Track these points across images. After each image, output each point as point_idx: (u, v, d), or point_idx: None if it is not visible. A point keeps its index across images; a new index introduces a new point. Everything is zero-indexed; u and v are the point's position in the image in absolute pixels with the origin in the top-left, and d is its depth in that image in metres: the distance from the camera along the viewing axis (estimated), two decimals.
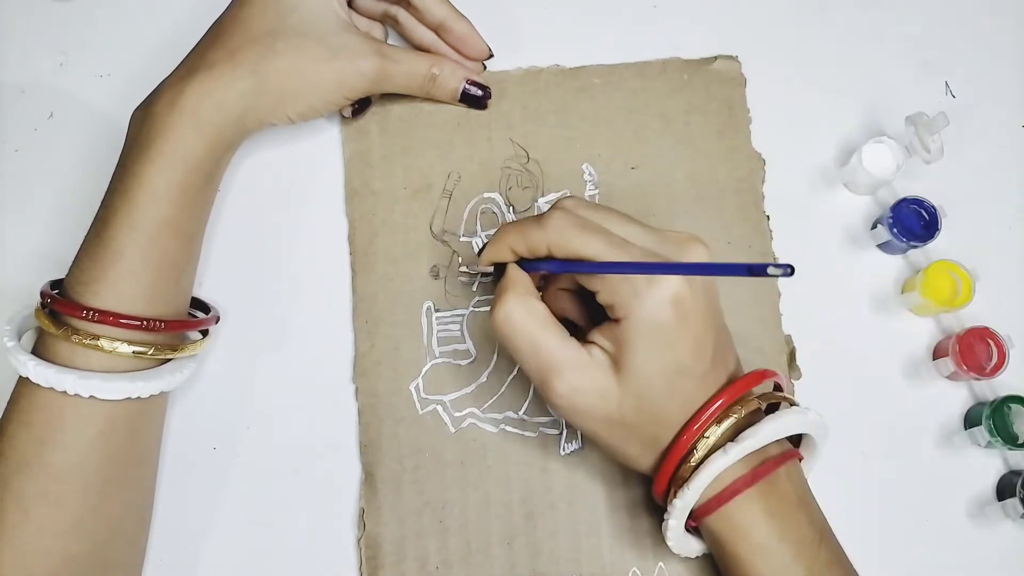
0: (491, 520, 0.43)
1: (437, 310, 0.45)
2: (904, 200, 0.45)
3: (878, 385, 0.46)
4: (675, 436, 0.37)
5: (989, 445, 0.44)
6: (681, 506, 0.37)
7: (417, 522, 0.43)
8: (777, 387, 0.40)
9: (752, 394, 0.38)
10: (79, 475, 0.37)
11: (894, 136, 0.46)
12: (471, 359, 0.45)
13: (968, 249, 0.46)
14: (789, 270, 0.29)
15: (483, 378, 0.45)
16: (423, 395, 0.44)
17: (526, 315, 0.36)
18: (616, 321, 0.36)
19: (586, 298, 0.40)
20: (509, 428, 0.44)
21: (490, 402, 0.45)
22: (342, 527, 0.43)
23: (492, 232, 0.46)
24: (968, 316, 0.45)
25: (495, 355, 0.45)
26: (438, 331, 0.45)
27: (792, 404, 0.39)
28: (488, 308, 0.45)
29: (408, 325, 0.45)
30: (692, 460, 0.36)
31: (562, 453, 0.44)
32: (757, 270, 0.29)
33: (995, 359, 0.44)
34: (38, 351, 0.38)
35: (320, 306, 0.46)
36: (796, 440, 0.40)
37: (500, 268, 0.39)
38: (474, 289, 0.46)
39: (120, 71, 0.49)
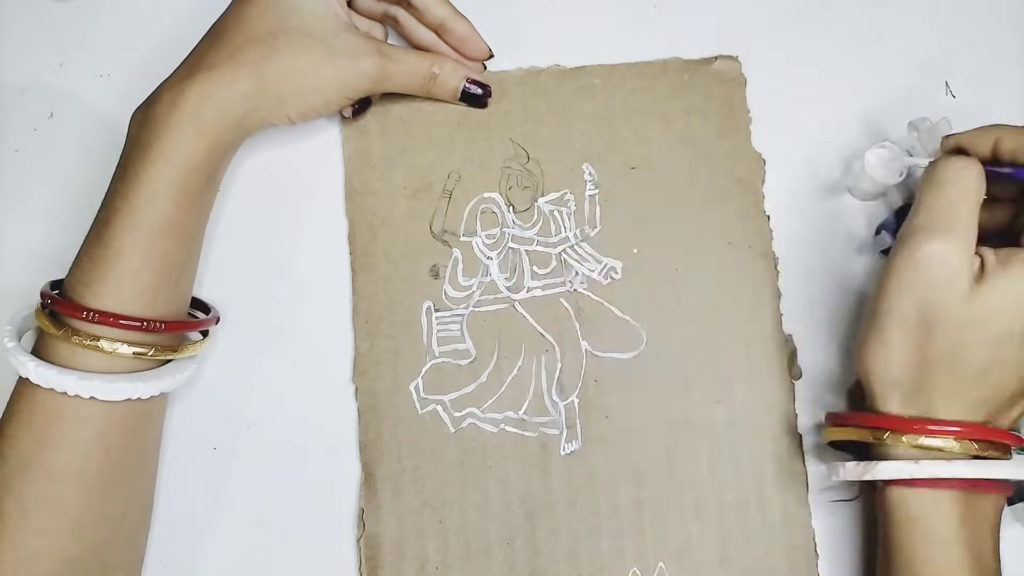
0: (491, 520, 0.43)
1: (437, 310, 0.45)
2: (907, 205, 0.45)
3: None
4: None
5: None
6: (894, 469, 0.36)
7: (417, 522, 0.43)
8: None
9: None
10: (79, 476, 0.37)
11: (895, 139, 0.46)
12: (471, 359, 0.45)
13: None
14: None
15: (483, 378, 0.45)
16: (423, 395, 0.44)
17: (972, 182, 0.36)
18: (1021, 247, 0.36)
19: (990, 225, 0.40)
20: (509, 428, 0.44)
21: (490, 402, 0.45)
22: (342, 527, 0.44)
23: (492, 232, 0.46)
24: None
25: (495, 355, 0.45)
26: (438, 331, 0.45)
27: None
28: (488, 308, 0.45)
29: (408, 325, 0.45)
30: (910, 439, 0.36)
31: (562, 453, 0.44)
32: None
33: None
34: (38, 352, 0.38)
35: (320, 306, 0.46)
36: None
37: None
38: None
39: (120, 71, 0.49)
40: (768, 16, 0.50)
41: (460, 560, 0.43)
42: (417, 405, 0.44)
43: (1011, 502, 0.44)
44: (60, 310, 0.38)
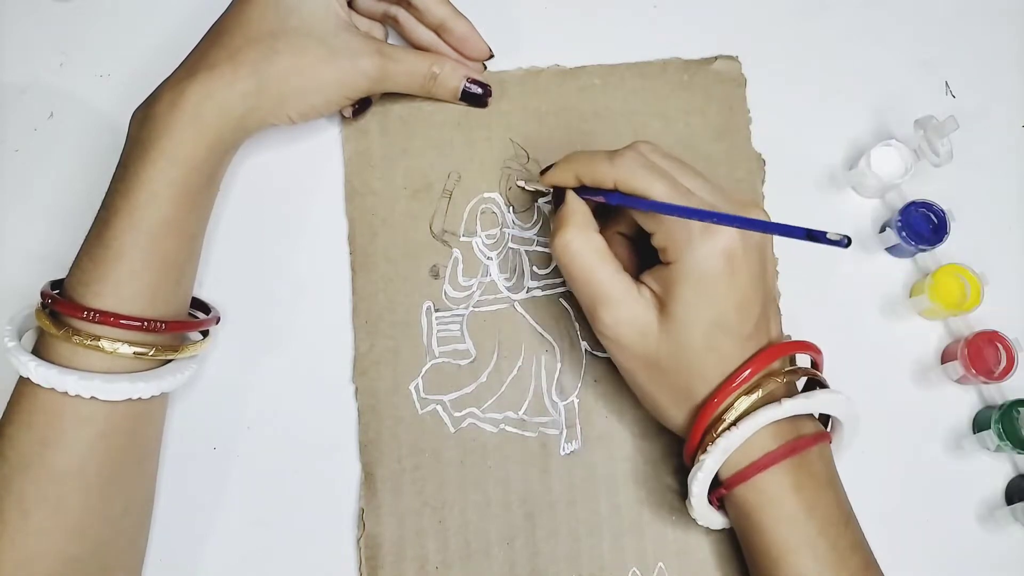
0: (491, 520, 0.43)
1: (437, 310, 0.45)
2: (913, 203, 0.45)
3: (886, 389, 0.46)
4: (708, 394, 0.37)
5: (998, 449, 0.43)
6: (710, 464, 0.37)
7: (417, 522, 0.43)
8: (814, 364, 0.40)
9: (787, 365, 0.39)
10: (80, 476, 0.37)
11: (900, 137, 0.46)
12: (471, 359, 0.45)
13: (976, 252, 0.46)
14: (846, 241, 0.30)
15: (483, 378, 0.45)
16: (423, 395, 0.44)
17: (585, 245, 0.38)
18: (667, 264, 0.37)
19: (638, 245, 0.41)
20: (509, 428, 0.44)
21: (490, 402, 0.45)
22: (342, 527, 0.44)
23: (492, 232, 0.46)
24: (977, 320, 0.45)
25: (495, 355, 0.45)
26: (438, 331, 0.45)
27: (825, 385, 0.40)
28: (488, 308, 0.45)
29: (408, 325, 0.45)
30: (723, 424, 0.37)
31: (562, 453, 0.44)
32: (816, 236, 0.30)
33: (1004, 363, 0.44)
34: (38, 351, 0.38)
35: (320, 306, 0.46)
36: (825, 424, 0.41)
37: (558, 194, 0.41)
38: (536, 206, 0.47)
39: (120, 71, 0.49)
40: (768, 16, 0.50)
41: (460, 560, 0.43)
42: (417, 405, 0.44)
43: (1010, 501, 0.44)
44: (60, 310, 0.37)
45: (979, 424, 0.45)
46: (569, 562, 0.43)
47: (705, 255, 0.36)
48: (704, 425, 0.38)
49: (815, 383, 0.40)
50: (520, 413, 0.45)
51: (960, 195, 0.47)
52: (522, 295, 0.46)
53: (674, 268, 0.36)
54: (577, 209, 0.39)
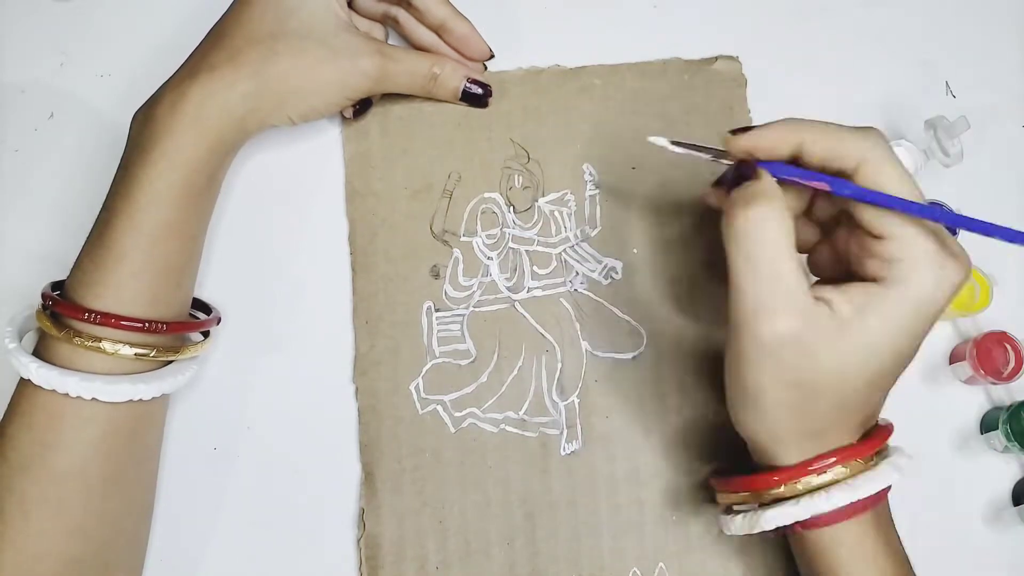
0: (491, 520, 0.43)
1: (437, 310, 0.45)
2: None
3: (894, 388, 0.46)
4: (844, 443, 0.35)
5: (1006, 450, 0.44)
6: (792, 512, 0.35)
7: (417, 522, 0.43)
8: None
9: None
10: (81, 477, 0.37)
11: (906, 135, 0.46)
12: (471, 359, 0.45)
13: (985, 253, 0.46)
14: None
15: (483, 378, 0.45)
16: (423, 395, 0.44)
17: (779, 233, 0.32)
18: (878, 283, 0.32)
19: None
20: (509, 428, 0.44)
21: (490, 402, 0.45)
22: (342, 527, 0.44)
23: (493, 232, 0.46)
24: (986, 320, 0.45)
25: (495, 355, 0.45)
26: (438, 331, 0.45)
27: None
28: (488, 308, 0.45)
29: (408, 325, 0.45)
30: (805, 483, 0.34)
31: (562, 454, 0.44)
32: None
33: (1012, 364, 0.44)
34: (39, 352, 0.38)
35: (320, 306, 0.46)
36: None
37: (737, 172, 0.34)
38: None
39: (120, 71, 0.49)
40: (769, 16, 0.50)
41: (460, 560, 0.43)
42: (417, 405, 0.44)
43: (1017, 502, 0.44)
44: (61, 311, 0.37)
45: (987, 425, 0.45)
46: (569, 562, 0.43)
47: (937, 284, 0.31)
48: (802, 472, 0.35)
49: None
50: (520, 413, 0.45)
51: (964, 194, 0.47)
52: (522, 295, 0.46)
53: (891, 287, 0.32)
54: (773, 188, 0.33)
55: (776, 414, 0.34)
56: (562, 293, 0.46)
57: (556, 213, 0.47)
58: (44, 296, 0.38)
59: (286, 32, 0.41)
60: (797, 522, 0.35)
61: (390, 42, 0.48)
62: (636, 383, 0.45)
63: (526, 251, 0.46)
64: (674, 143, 0.37)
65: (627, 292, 0.46)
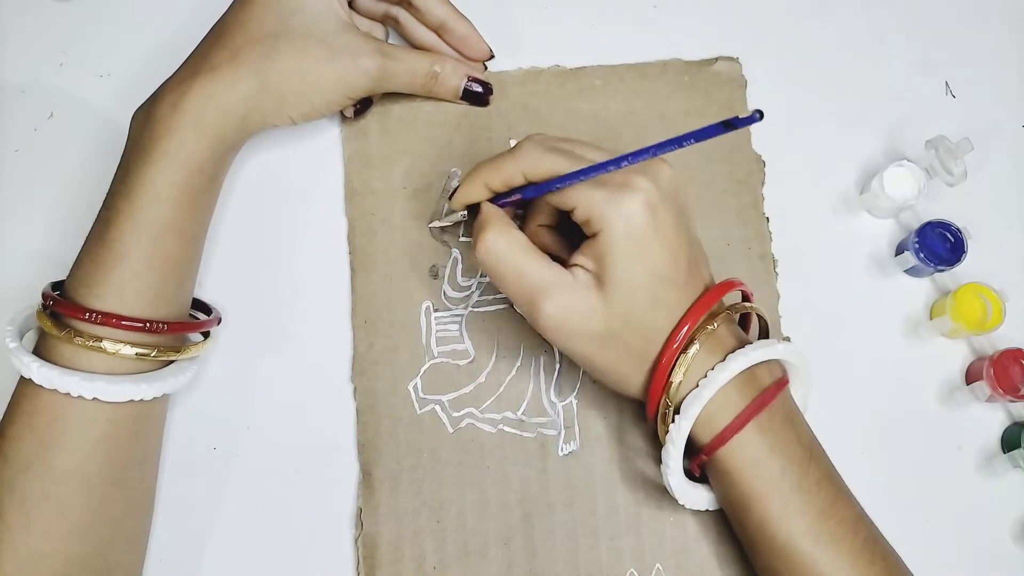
0: (488, 520, 0.43)
1: (436, 310, 0.46)
2: (929, 224, 0.45)
3: (913, 410, 0.46)
4: (663, 345, 0.38)
5: None
6: (684, 426, 0.37)
7: (414, 522, 0.43)
8: (744, 296, 0.41)
9: (723, 305, 0.39)
10: (81, 477, 0.37)
11: (913, 156, 0.46)
12: (469, 359, 0.45)
13: (994, 269, 0.46)
14: (759, 115, 0.30)
15: (481, 378, 0.45)
16: (421, 395, 0.45)
17: (508, 243, 0.38)
18: (594, 237, 0.37)
19: (565, 232, 0.41)
20: (507, 428, 0.44)
21: (488, 402, 0.45)
22: (340, 526, 0.44)
23: None
24: (1000, 337, 0.45)
25: (494, 355, 0.45)
26: (437, 331, 0.45)
27: (760, 315, 0.41)
28: (487, 308, 0.46)
29: (407, 325, 0.45)
30: (678, 374, 0.37)
31: (560, 454, 0.44)
32: (731, 123, 0.31)
33: None
34: (39, 352, 0.38)
35: (320, 306, 0.46)
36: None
37: (473, 210, 0.41)
38: (460, 235, 0.46)
39: (120, 71, 0.49)
40: (769, 17, 0.50)
41: (458, 560, 0.43)
42: (416, 405, 0.44)
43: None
44: (62, 311, 0.38)
45: (1008, 442, 0.45)
46: (567, 563, 0.43)
47: (628, 212, 0.36)
48: (663, 378, 0.38)
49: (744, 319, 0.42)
50: (518, 413, 0.45)
51: (964, 210, 0.46)
52: None
53: (602, 236, 0.36)
54: (492, 212, 0.39)
55: (611, 365, 0.39)
56: None
57: None
58: (44, 296, 0.39)
59: (287, 31, 0.41)
60: (703, 452, 0.38)
61: (390, 42, 0.48)
62: None
63: None
64: (432, 226, 0.46)
65: None
